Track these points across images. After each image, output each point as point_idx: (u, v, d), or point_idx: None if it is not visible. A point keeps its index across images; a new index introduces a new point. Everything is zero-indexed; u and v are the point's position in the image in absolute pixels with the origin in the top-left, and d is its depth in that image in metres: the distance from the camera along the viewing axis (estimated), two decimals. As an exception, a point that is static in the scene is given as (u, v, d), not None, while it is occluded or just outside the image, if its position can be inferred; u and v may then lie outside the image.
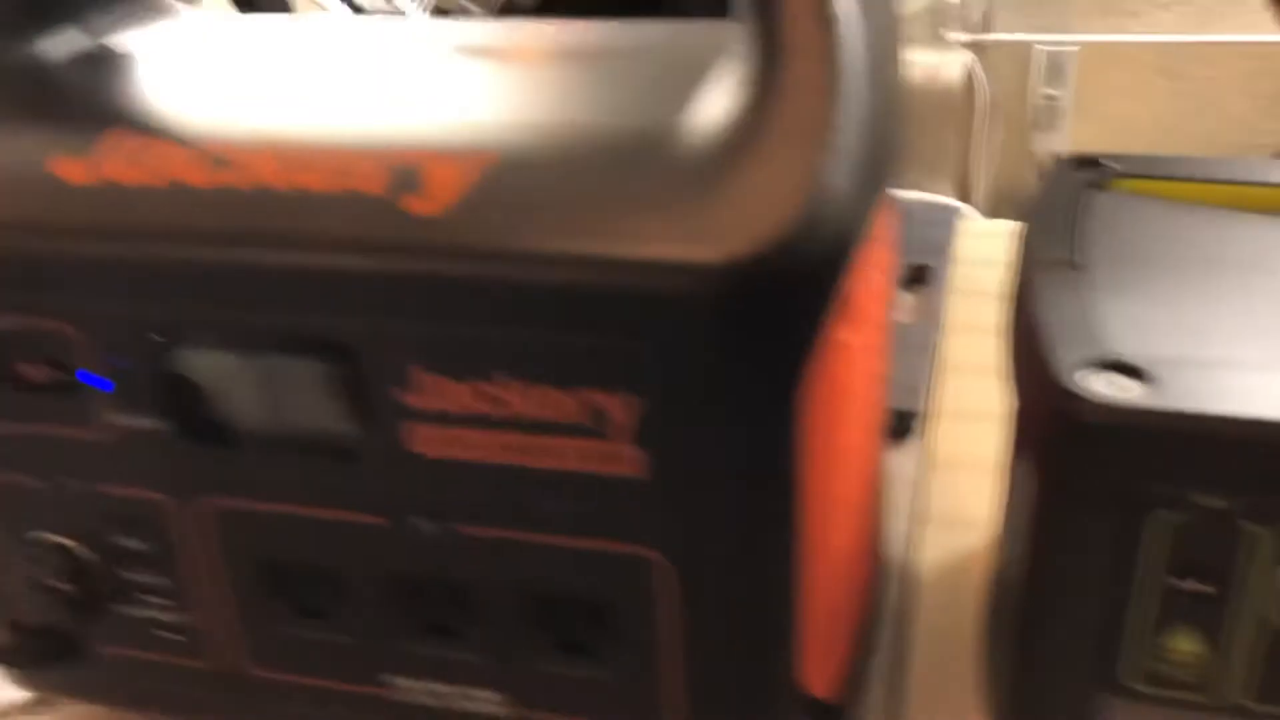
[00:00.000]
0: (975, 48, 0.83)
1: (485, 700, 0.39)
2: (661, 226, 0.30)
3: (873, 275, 0.37)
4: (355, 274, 0.33)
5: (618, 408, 0.32)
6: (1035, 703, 0.39)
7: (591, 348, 0.31)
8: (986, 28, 0.83)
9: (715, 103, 0.33)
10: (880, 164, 0.33)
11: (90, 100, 0.38)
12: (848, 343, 0.34)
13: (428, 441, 0.34)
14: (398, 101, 0.37)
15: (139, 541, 0.40)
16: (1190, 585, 0.34)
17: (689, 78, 0.35)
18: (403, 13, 0.61)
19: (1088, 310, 0.37)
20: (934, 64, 0.81)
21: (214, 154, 0.35)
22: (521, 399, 0.33)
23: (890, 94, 0.34)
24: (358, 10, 0.63)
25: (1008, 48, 0.82)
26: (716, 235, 0.30)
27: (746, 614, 0.35)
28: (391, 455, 0.35)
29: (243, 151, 0.35)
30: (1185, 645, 0.35)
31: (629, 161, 0.32)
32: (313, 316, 0.33)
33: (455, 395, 0.33)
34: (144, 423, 0.37)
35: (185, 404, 0.36)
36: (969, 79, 0.82)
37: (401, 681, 0.39)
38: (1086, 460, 0.34)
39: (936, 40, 0.75)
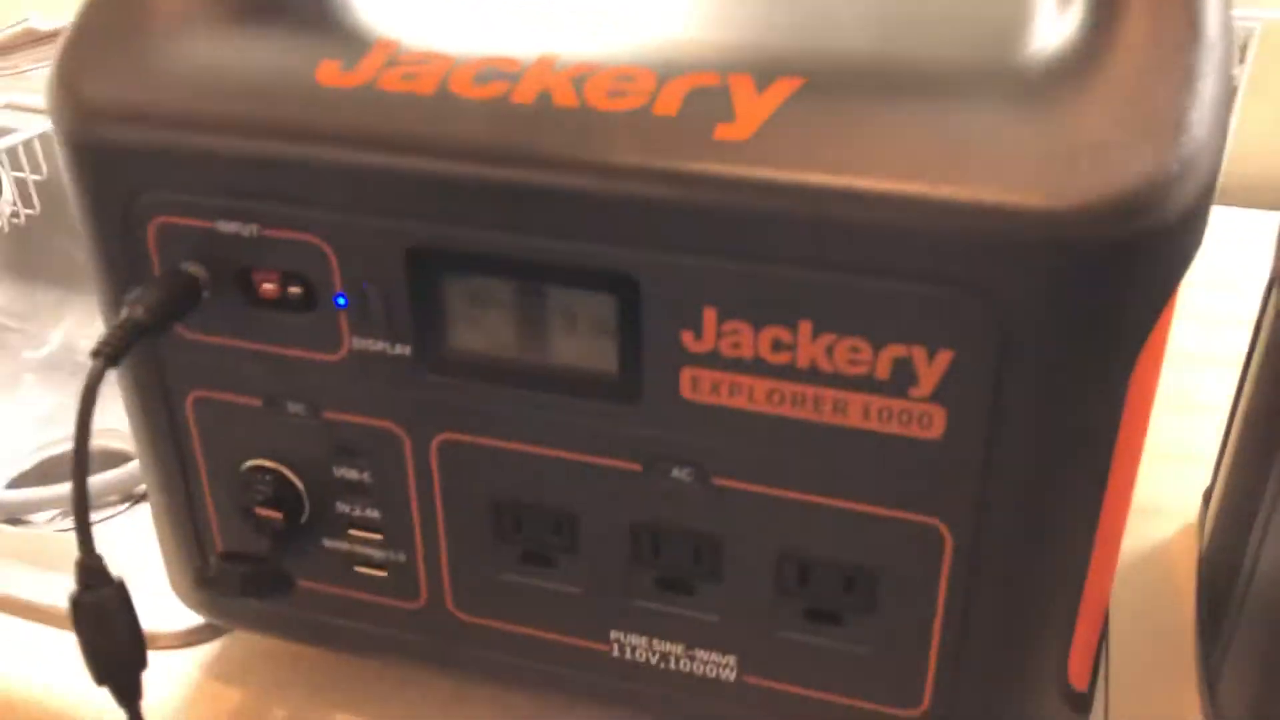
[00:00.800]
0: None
1: (715, 664, 0.37)
2: (1001, 167, 0.28)
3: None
4: (652, 201, 0.30)
5: (925, 363, 0.30)
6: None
7: (907, 297, 0.29)
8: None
9: (1047, 17, 0.30)
10: (1226, 119, 0.30)
11: (357, 11, 0.36)
12: (1165, 325, 0.31)
13: (705, 388, 0.32)
14: (679, 11, 0.35)
15: (359, 473, 0.38)
16: None
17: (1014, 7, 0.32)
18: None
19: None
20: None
21: (486, 64, 0.32)
22: (819, 349, 0.30)
23: (1228, 41, 0.31)
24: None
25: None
26: (1068, 182, 0.27)
27: (1034, 596, 0.33)
28: (665, 400, 0.33)
29: (518, 62, 0.32)
30: None
31: (953, 92, 0.30)
32: (595, 246, 0.31)
33: (747, 341, 0.31)
34: (388, 349, 0.35)
35: (437, 332, 0.34)
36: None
37: (627, 638, 0.37)
38: None
39: None
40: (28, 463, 0.92)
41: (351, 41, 0.34)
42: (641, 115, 0.31)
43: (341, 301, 0.34)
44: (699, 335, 0.31)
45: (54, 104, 0.35)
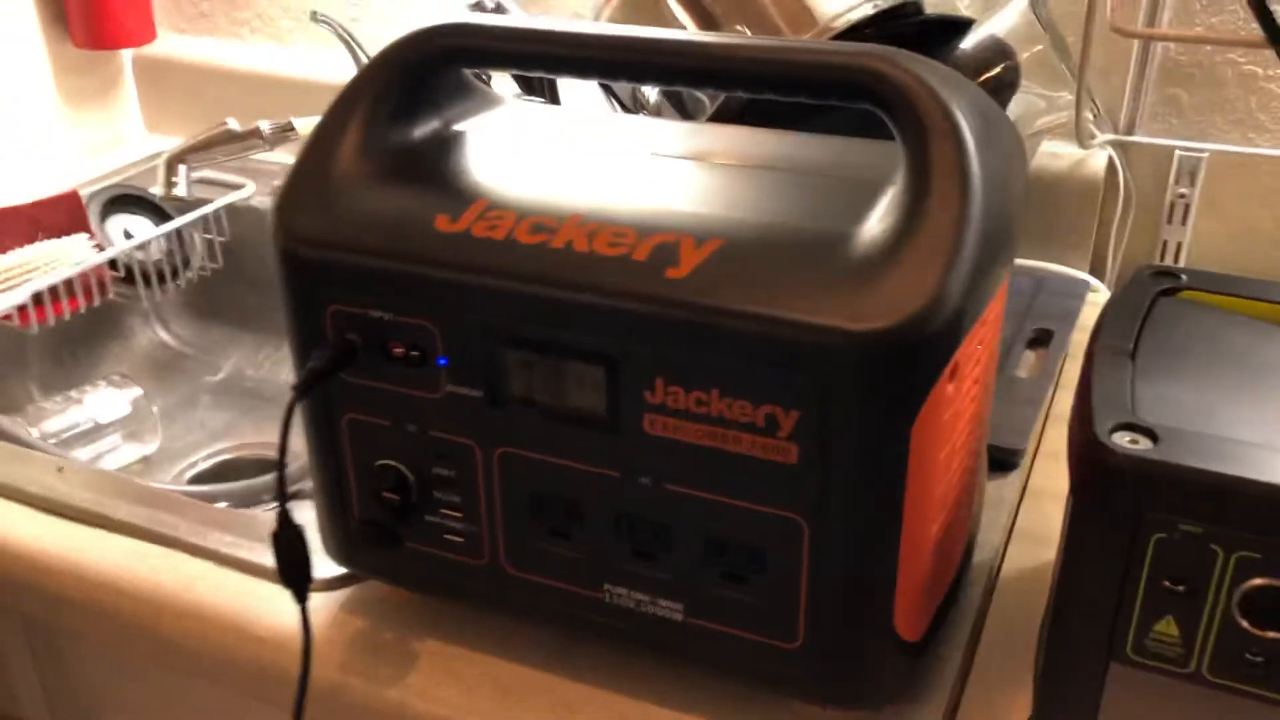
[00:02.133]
0: (1119, 146, 0.97)
1: (670, 609, 0.56)
2: (830, 304, 0.47)
3: (977, 348, 0.53)
4: (627, 312, 0.50)
5: (784, 417, 0.49)
6: (1061, 668, 0.54)
7: (774, 376, 0.48)
8: (1129, 130, 0.97)
9: (875, 214, 0.50)
10: (993, 268, 0.49)
11: (451, 172, 0.57)
12: (951, 394, 0.50)
13: (657, 425, 0.52)
14: (656, 191, 0.55)
15: (448, 470, 0.58)
16: (1171, 585, 0.49)
17: (858, 192, 0.52)
18: (651, 107, 0.79)
19: (1127, 388, 0.52)
20: (1081, 157, 0.96)
21: (537, 220, 0.53)
22: (724, 405, 0.50)
23: (1007, 212, 0.50)
24: (618, 100, 0.82)
25: (1149, 149, 0.96)
26: (867, 314, 0.47)
27: (858, 569, 0.51)
28: (632, 432, 0.53)
29: (557, 220, 0.53)
30: (1168, 629, 0.50)
31: (811, 257, 0.49)
32: (593, 337, 0.51)
33: (680, 398, 0.51)
34: (470, 392, 0.56)
35: (497, 382, 0.55)
36: (1110, 173, 0.96)
37: (615, 589, 0.57)
38: (1108, 494, 0.49)
39: (1086, 138, 0.90)
40: (204, 465, 1.16)
41: (458, 199, 0.55)
42: (625, 260, 0.51)
43: (442, 362, 0.55)
44: (654, 393, 0.51)
45: (274, 230, 0.57)
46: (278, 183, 0.56)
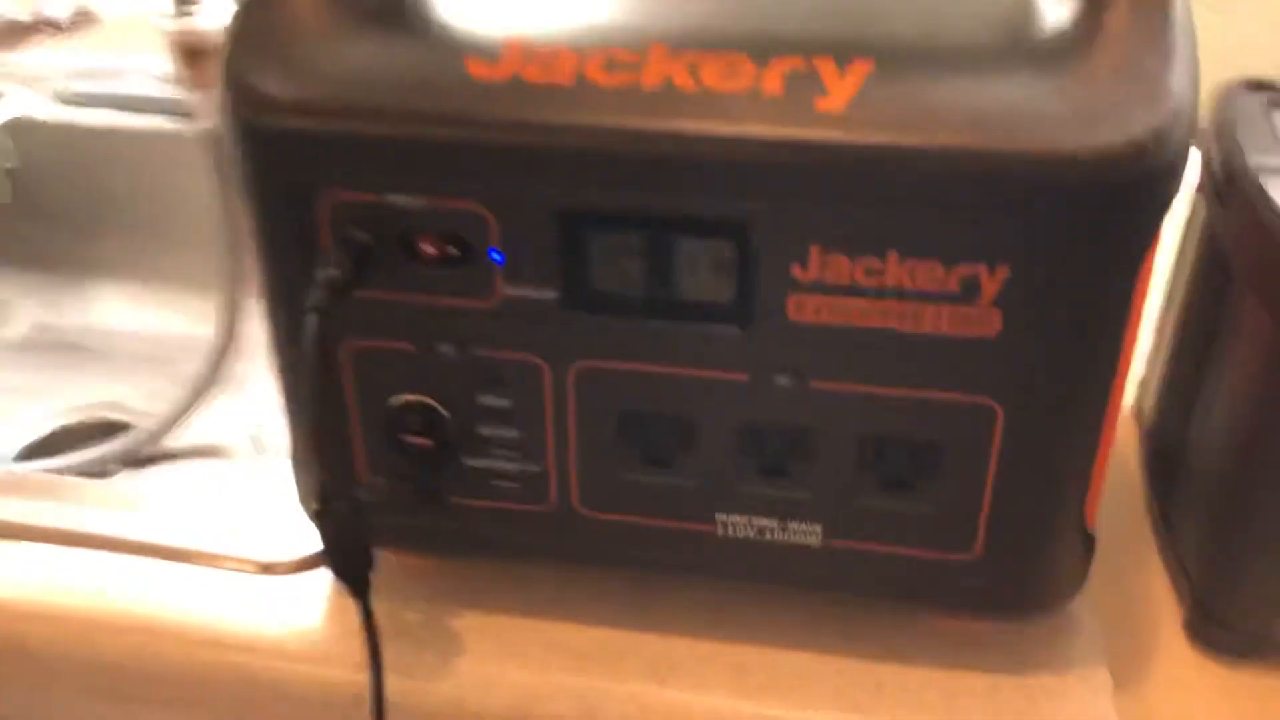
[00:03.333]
0: None
1: (804, 533, 0.46)
2: (1045, 123, 0.37)
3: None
4: (770, 164, 0.38)
5: (988, 277, 0.39)
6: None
7: (975, 226, 0.38)
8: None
9: (1057, 17, 0.39)
10: (1196, 88, 0.40)
11: (484, 13, 0.43)
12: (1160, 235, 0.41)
13: (807, 309, 0.41)
14: (739, 4, 0.42)
15: (502, 399, 0.45)
16: None
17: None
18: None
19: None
20: None
21: (608, 54, 0.40)
22: (903, 272, 0.39)
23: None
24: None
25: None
26: (1094, 132, 0.36)
27: (1060, 457, 0.42)
28: (771, 321, 0.41)
29: (636, 51, 0.40)
30: None
31: (992, 67, 0.38)
32: (721, 201, 0.39)
33: (844, 270, 0.39)
34: (536, 293, 0.42)
35: (577, 277, 0.42)
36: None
37: (731, 519, 0.46)
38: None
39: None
40: (31, 436, 0.95)
41: (483, 37, 0.41)
42: (754, 95, 0.39)
43: (497, 257, 0.42)
44: (806, 268, 0.40)
45: (231, 99, 0.41)
46: (223, 27, 0.39)
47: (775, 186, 0.39)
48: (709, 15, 0.41)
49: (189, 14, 0.74)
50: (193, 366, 0.85)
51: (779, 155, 0.38)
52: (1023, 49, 0.39)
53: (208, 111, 0.77)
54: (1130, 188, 0.37)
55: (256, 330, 0.75)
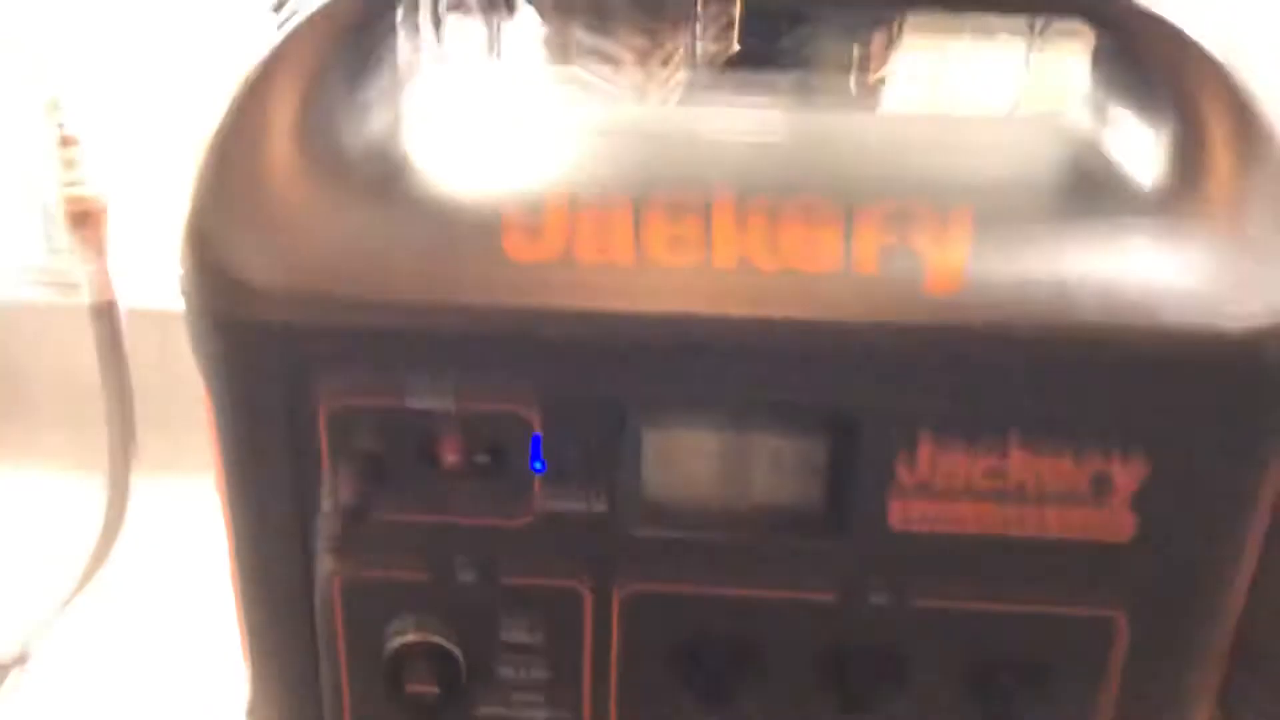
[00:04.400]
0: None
1: (892, 775, 0.39)
2: (1184, 295, 0.32)
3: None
4: (876, 352, 0.33)
5: (1122, 472, 0.34)
6: None
7: (1118, 417, 0.33)
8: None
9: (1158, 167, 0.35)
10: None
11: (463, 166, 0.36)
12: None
13: (912, 516, 0.35)
14: (799, 154, 0.38)
15: (530, 634, 0.37)
16: None
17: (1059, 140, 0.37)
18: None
19: None
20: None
21: (668, 217, 0.34)
22: (1025, 469, 0.34)
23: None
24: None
25: None
26: (1238, 310, 0.32)
27: (1186, 671, 0.37)
28: (868, 530, 0.35)
29: (702, 212, 0.34)
30: None
31: (1115, 225, 0.34)
32: (816, 394, 0.33)
33: (957, 468, 0.34)
34: (581, 506, 0.35)
35: (633, 485, 0.35)
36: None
37: (806, 762, 0.39)
38: None
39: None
40: None
41: (513, 207, 0.34)
42: (846, 275, 0.33)
43: (539, 467, 0.35)
44: (911, 466, 0.34)
45: (201, 284, 0.34)
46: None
47: (880, 373, 0.33)
48: (779, 162, 0.36)
49: (77, 181, 0.65)
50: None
51: (889, 343, 0.33)
52: (1134, 206, 0.34)
53: (98, 285, 0.67)
54: (1268, 369, 0.32)
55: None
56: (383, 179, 0.35)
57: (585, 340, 0.33)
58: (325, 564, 0.31)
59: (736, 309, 0.33)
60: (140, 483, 0.62)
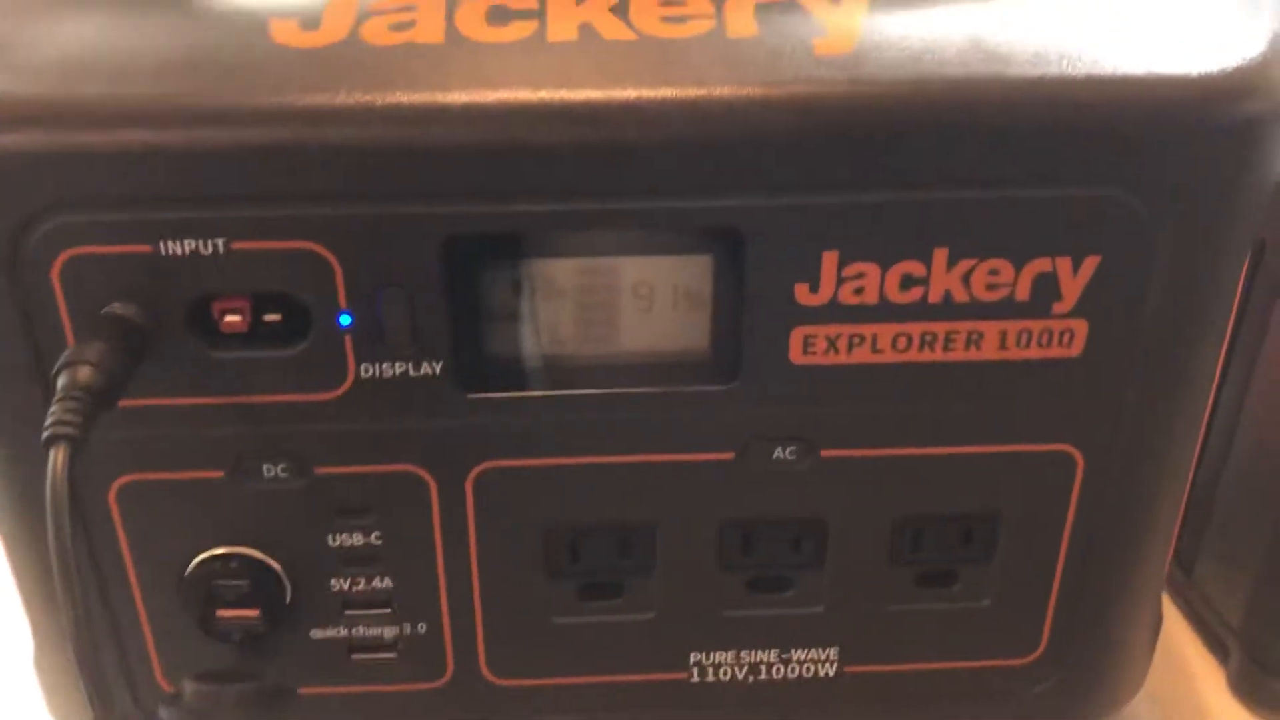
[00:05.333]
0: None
1: (813, 662, 0.33)
2: (1141, 43, 0.26)
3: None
4: (761, 136, 0.26)
5: (1071, 274, 0.27)
6: None
7: (1060, 202, 0.26)
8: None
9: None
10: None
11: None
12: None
13: (818, 346, 0.28)
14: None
15: (365, 536, 0.30)
16: None
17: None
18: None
19: None
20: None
21: (494, 3, 0.27)
22: (956, 278, 0.27)
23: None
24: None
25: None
26: (1200, 53, 0.26)
27: (1152, 511, 0.31)
28: (770, 370, 0.28)
29: None
30: None
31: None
32: (690, 201, 0.26)
33: (872, 284, 0.27)
34: (409, 369, 0.28)
35: (474, 338, 0.28)
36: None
37: (710, 657, 0.33)
38: None
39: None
40: None
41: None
42: (716, 39, 0.26)
43: (346, 321, 0.27)
44: (815, 287, 0.27)
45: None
46: None
47: (773, 172, 0.26)
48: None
49: None
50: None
51: (776, 122, 0.26)
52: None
53: None
54: (1257, 124, 0.26)
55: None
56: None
57: (386, 145, 0.25)
58: (56, 460, 0.24)
59: (580, 91, 0.25)
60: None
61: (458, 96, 0.25)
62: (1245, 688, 0.41)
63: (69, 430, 0.24)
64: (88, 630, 0.25)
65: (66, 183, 0.25)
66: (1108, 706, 0.35)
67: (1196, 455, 0.31)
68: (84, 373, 0.25)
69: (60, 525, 0.23)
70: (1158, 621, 0.35)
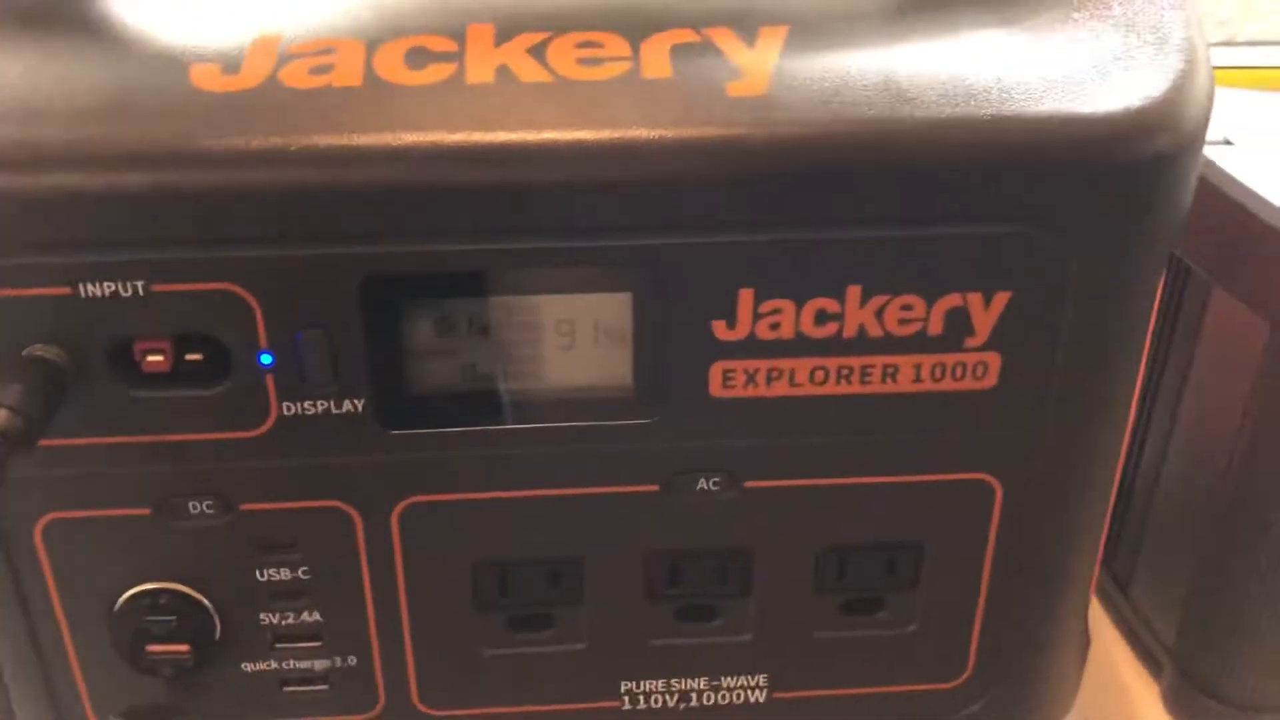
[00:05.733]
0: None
1: (743, 688, 0.33)
2: (1050, 86, 0.26)
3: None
4: (675, 176, 0.26)
5: (982, 308, 0.28)
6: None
7: (971, 239, 0.27)
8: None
9: None
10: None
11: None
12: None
13: (737, 379, 0.28)
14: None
15: (291, 571, 0.30)
16: None
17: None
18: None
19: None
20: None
21: (410, 44, 0.27)
22: (867, 314, 0.28)
23: None
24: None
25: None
26: (1113, 91, 0.27)
27: (1073, 534, 0.32)
28: (690, 404, 0.29)
29: (449, 36, 0.27)
30: None
31: (958, 20, 0.28)
32: (608, 240, 0.27)
33: (786, 318, 0.28)
34: (331, 406, 0.28)
35: (400, 375, 0.28)
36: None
37: (640, 686, 0.33)
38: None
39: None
40: None
41: (205, 42, 0.27)
42: (632, 80, 0.27)
43: (267, 360, 0.27)
44: (732, 323, 0.28)
45: None
46: None
47: (686, 211, 0.26)
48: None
49: None
50: None
51: (690, 164, 0.26)
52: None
53: None
54: (1165, 160, 0.27)
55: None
56: (43, 7, 0.27)
57: (303, 187, 0.26)
58: (15, 506, 0.24)
59: (496, 133, 0.26)
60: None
61: (374, 139, 0.25)
62: (1180, 703, 0.42)
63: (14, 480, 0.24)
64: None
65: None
66: (1035, 730, 0.36)
67: (1118, 477, 0.32)
68: (1, 416, 0.25)
69: (-28, 571, 0.23)
70: (1086, 642, 0.36)
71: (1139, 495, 0.44)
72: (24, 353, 0.26)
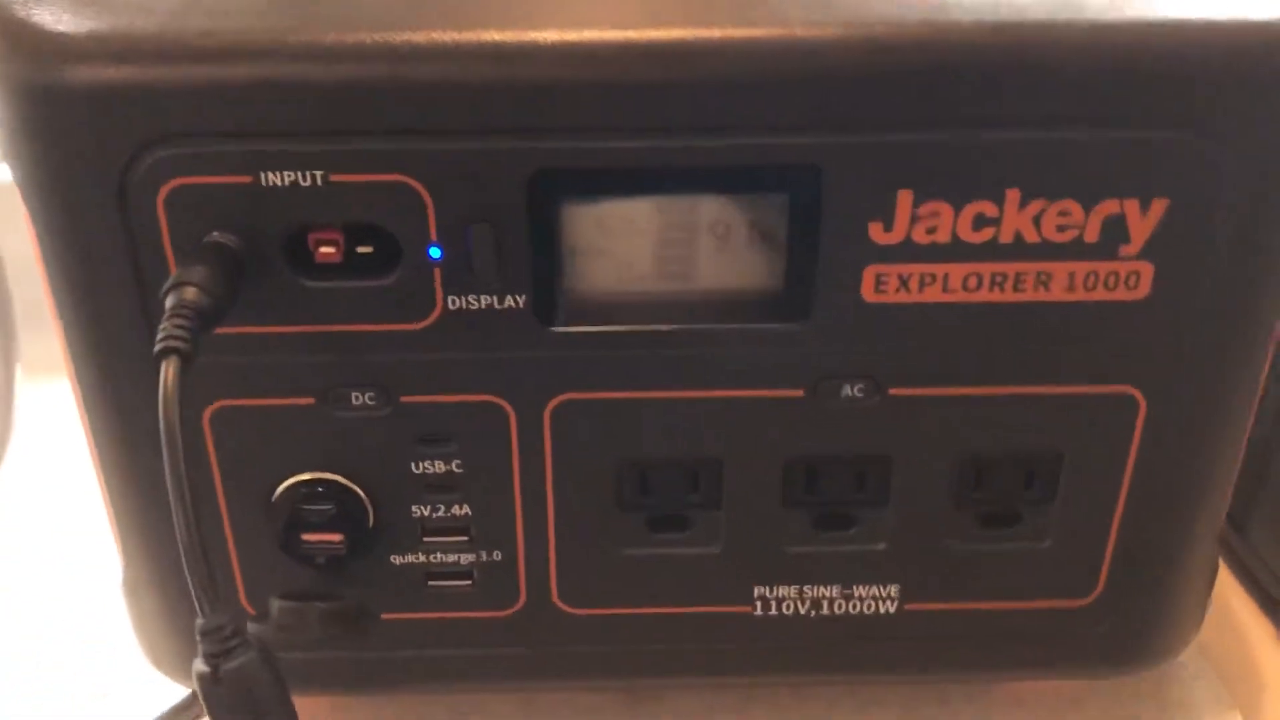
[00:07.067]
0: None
1: (874, 598, 0.34)
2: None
3: None
4: (840, 73, 0.26)
5: (1140, 216, 0.28)
6: None
7: (1131, 144, 0.27)
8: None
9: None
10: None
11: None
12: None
13: (892, 286, 0.29)
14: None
15: (443, 463, 0.31)
16: None
17: None
18: None
19: None
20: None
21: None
22: (1028, 219, 0.28)
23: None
24: None
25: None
26: (1266, 2, 0.26)
27: (1213, 454, 0.32)
28: (841, 309, 0.29)
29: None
30: None
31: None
32: (768, 138, 0.27)
33: (944, 221, 0.28)
34: (495, 302, 0.29)
35: (561, 273, 0.29)
36: None
37: (774, 592, 0.34)
38: None
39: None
40: None
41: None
42: (798, -19, 0.27)
43: (436, 254, 0.28)
44: (889, 225, 0.28)
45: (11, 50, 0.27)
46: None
47: (845, 111, 0.27)
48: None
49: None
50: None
51: (857, 60, 0.26)
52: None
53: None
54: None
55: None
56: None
57: (477, 82, 0.26)
58: (169, 371, 0.25)
59: (664, 30, 0.26)
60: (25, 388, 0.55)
61: (547, 35, 0.26)
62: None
63: (179, 344, 0.25)
64: (196, 530, 0.26)
65: (172, 115, 0.26)
66: (1161, 655, 0.36)
67: (1254, 412, 0.32)
68: (191, 293, 0.26)
69: (172, 432, 0.24)
70: (1213, 572, 0.36)
71: (1258, 435, 0.43)
72: (205, 239, 0.28)
